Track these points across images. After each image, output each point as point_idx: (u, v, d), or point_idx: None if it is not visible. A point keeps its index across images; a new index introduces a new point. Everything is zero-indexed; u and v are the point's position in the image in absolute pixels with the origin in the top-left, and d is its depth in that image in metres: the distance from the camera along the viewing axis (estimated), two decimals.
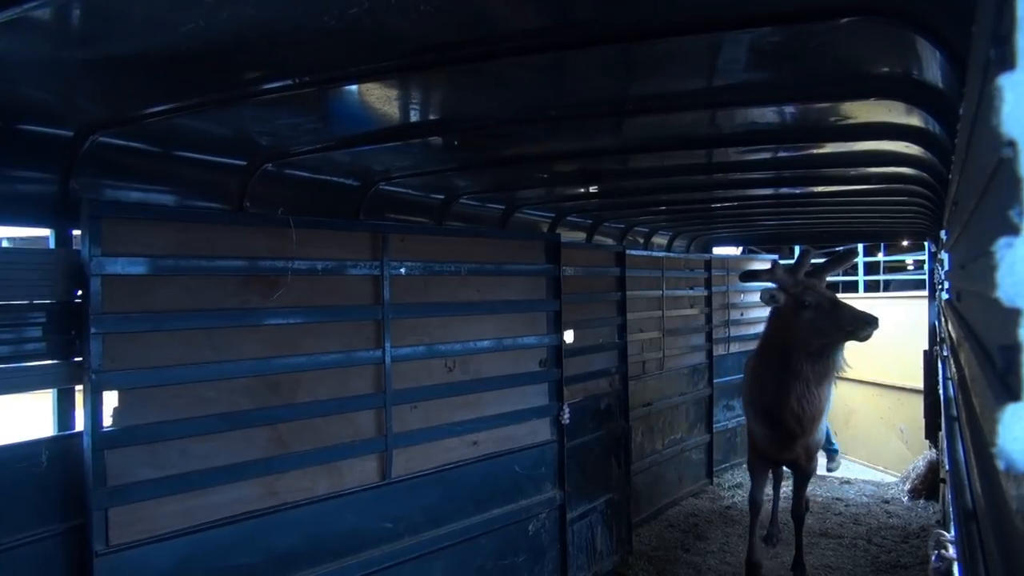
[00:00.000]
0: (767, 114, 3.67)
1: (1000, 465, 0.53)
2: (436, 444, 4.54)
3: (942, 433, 5.21)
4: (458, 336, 4.74)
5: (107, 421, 3.18)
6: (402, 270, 4.34)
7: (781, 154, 4.60)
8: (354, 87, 2.99)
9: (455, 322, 4.73)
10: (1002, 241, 0.52)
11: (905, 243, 13.88)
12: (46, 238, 3.34)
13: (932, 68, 2.53)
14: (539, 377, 5.37)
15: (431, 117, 3.59)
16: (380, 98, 3.19)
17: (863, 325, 5.38)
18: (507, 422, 5.04)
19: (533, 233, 6.50)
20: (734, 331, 9.89)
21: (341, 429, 4.04)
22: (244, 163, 3.91)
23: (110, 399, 3.22)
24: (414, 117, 3.52)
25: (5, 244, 9.33)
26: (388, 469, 4.23)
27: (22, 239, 9.08)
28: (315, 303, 3.94)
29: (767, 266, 6.05)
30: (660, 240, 8.90)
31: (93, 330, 3.09)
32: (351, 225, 4.40)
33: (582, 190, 5.97)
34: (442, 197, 5.40)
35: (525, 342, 5.26)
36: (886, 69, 2.81)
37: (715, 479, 9.30)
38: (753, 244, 10.92)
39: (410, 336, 4.43)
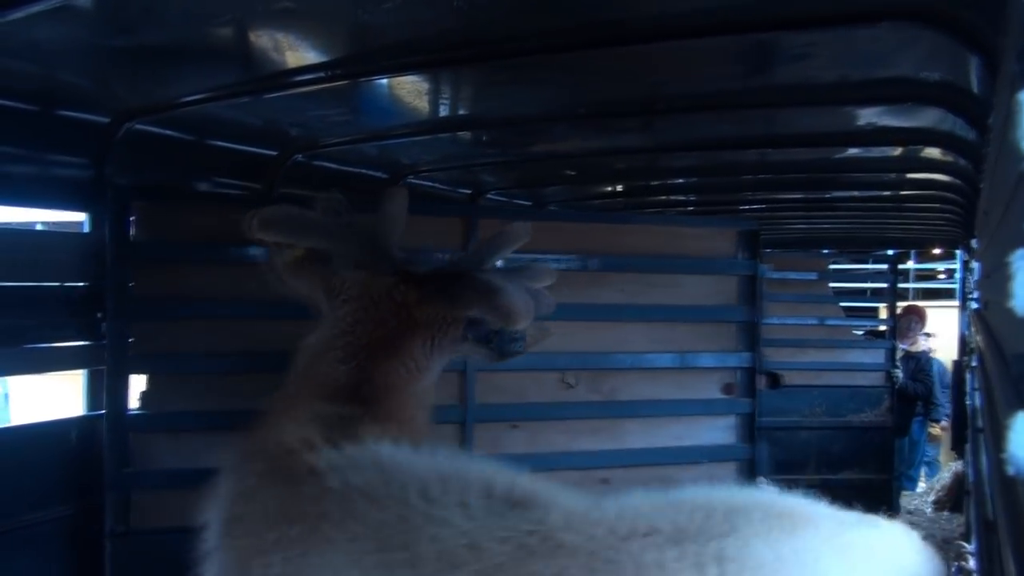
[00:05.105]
0: (800, 116, 3.64)
1: (1009, 470, 0.54)
2: (543, 474, 3.63)
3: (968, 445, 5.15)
4: (587, 346, 4.01)
5: (134, 405, 3.22)
6: (498, 262, 3.43)
7: (812, 157, 4.56)
8: (384, 80, 3.01)
9: (579, 329, 3.96)
10: (1018, 252, 0.53)
11: (936, 251, 13.70)
12: (80, 223, 3.40)
13: (969, 75, 2.50)
14: (717, 407, 4.30)
15: (460, 112, 3.61)
16: (410, 92, 3.21)
17: None
18: (660, 459, 4.11)
19: (721, 220, 5.50)
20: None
21: None
22: (275, 153, 3.94)
23: (138, 383, 3.26)
24: (443, 112, 3.53)
25: (39, 227, 9.48)
26: None
27: (55, 223, 9.24)
28: None
29: None
30: None
31: (119, 314, 3.14)
32: (428, 208, 3.98)
33: (609, 189, 5.96)
34: (469, 192, 5.41)
35: (696, 360, 4.24)
36: (922, 74, 2.77)
37: None
38: (779, 248, 10.76)
39: None
